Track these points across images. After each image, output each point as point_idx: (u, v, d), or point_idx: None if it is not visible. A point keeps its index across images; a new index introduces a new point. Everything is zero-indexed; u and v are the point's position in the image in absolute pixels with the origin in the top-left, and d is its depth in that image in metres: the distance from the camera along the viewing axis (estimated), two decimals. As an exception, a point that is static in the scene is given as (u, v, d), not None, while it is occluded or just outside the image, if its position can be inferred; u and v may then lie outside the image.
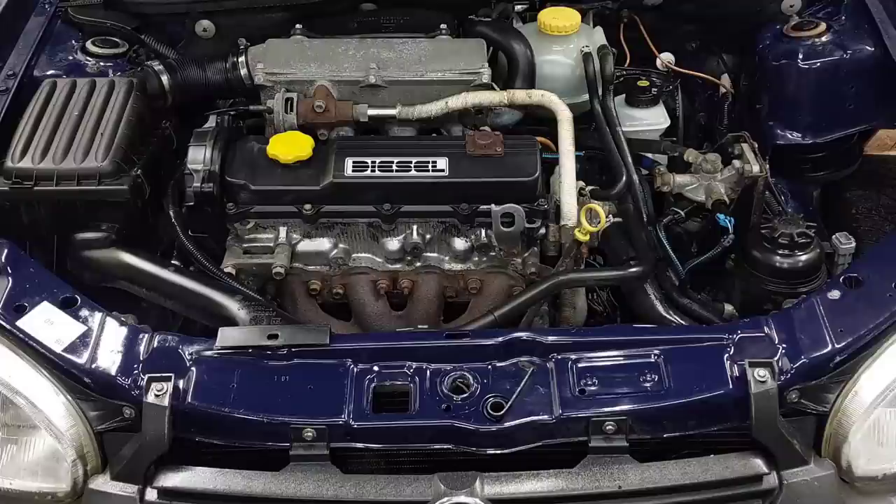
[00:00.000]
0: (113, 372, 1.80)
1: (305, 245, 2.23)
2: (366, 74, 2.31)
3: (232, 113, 2.38)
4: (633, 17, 2.74)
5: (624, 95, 2.56)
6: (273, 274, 2.18)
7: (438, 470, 1.75)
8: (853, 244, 2.19)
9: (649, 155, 2.48)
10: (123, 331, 1.87)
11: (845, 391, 1.81)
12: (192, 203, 2.18)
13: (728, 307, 2.18)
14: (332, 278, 2.24)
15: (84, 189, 2.13)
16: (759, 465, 1.79)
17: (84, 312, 1.88)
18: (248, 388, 1.80)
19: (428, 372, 1.81)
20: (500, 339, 1.86)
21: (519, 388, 1.77)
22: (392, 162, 2.16)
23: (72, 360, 1.81)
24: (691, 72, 2.70)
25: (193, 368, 1.81)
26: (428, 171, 2.15)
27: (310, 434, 1.75)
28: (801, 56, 2.54)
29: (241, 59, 2.38)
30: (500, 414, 1.73)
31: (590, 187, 2.22)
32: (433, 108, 2.30)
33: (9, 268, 1.93)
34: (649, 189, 2.35)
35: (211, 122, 2.34)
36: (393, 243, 2.21)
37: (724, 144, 2.44)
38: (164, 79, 2.36)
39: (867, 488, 1.87)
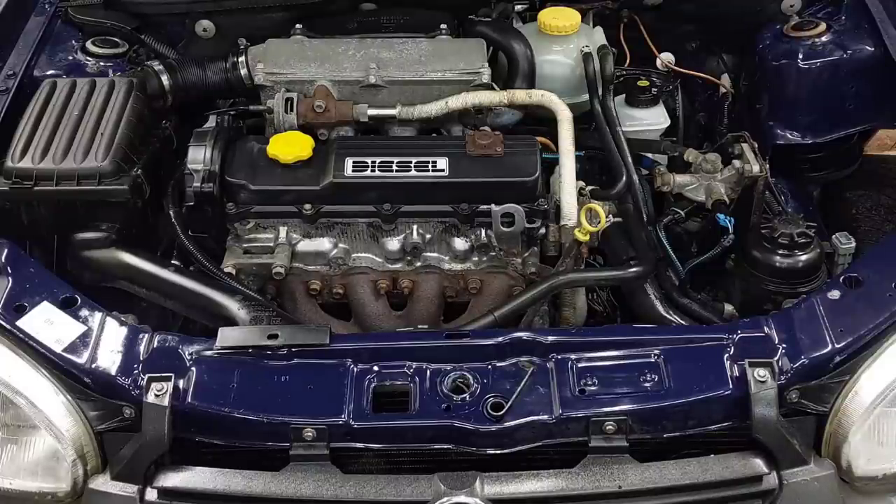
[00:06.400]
0: (113, 372, 1.80)
1: (305, 245, 2.23)
2: (366, 74, 2.31)
3: (232, 113, 2.39)
4: (633, 17, 2.75)
5: (624, 95, 2.56)
6: (273, 274, 2.18)
7: (438, 470, 1.75)
8: (853, 244, 2.18)
9: (649, 155, 2.48)
10: (123, 331, 1.87)
11: (845, 391, 1.80)
12: (192, 203, 2.18)
13: (728, 307, 2.17)
14: (332, 278, 2.24)
15: (84, 189, 2.13)
16: (759, 465, 1.79)
17: (84, 312, 1.88)
18: (248, 388, 1.80)
19: (428, 372, 1.81)
20: (500, 339, 1.86)
21: (519, 388, 1.77)
22: (392, 162, 2.16)
23: (72, 360, 1.81)
24: (691, 72, 2.70)
25: (193, 368, 1.81)
26: (428, 171, 2.15)
27: (310, 434, 1.74)
28: (801, 56, 2.54)
29: (241, 59, 2.38)
30: (500, 414, 1.73)
31: (590, 187, 2.22)
32: (433, 108, 2.30)
33: (9, 268, 1.93)
34: (649, 189, 2.35)
35: (211, 122, 2.34)
36: (393, 243, 2.21)
37: (724, 144, 2.44)
38: (164, 79, 2.36)
39: (867, 488, 1.87)
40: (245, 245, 2.22)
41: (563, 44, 2.53)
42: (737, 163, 2.32)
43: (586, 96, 2.46)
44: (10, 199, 2.14)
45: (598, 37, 2.58)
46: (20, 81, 2.40)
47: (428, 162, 2.16)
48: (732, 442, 1.81)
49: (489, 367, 1.82)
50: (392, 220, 2.17)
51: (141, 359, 1.82)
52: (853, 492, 1.87)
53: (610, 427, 1.75)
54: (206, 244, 2.25)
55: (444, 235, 2.22)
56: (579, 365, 1.82)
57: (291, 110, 2.28)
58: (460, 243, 2.22)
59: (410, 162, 2.16)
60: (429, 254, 2.24)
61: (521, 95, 2.32)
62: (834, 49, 2.54)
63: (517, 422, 1.74)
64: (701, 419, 1.80)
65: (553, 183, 2.23)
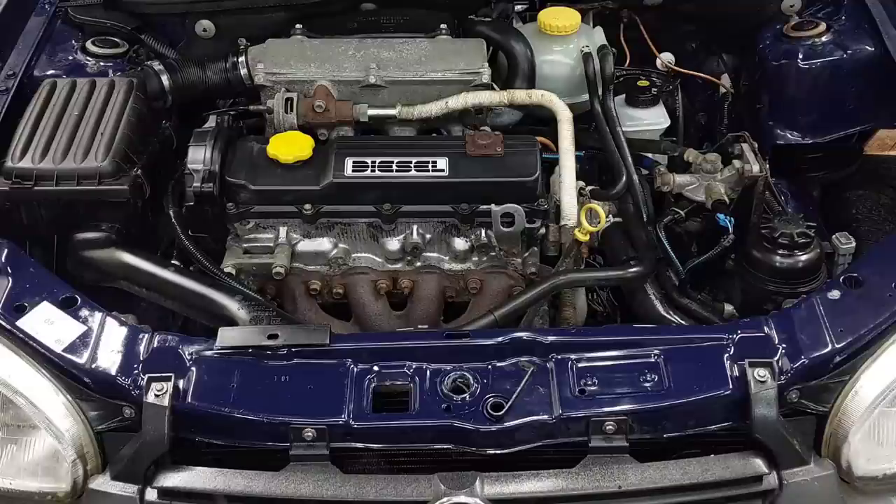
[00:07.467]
0: (113, 372, 1.80)
1: (305, 245, 2.23)
2: (366, 74, 2.31)
3: (232, 113, 2.39)
4: (633, 17, 2.75)
5: (624, 95, 2.56)
6: (273, 274, 2.18)
7: (438, 470, 1.75)
8: (853, 244, 2.18)
9: (649, 155, 2.48)
10: (123, 331, 1.87)
11: (845, 391, 1.80)
12: (192, 203, 2.18)
13: (728, 307, 2.17)
14: (332, 278, 2.24)
15: (84, 189, 2.13)
16: (759, 465, 1.79)
17: (84, 312, 1.88)
18: (248, 388, 1.80)
19: (428, 372, 1.81)
20: (500, 339, 1.86)
21: (519, 388, 1.76)
22: (392, 162, 2.16)
23: (72, 360, 1.81)
24: (691, 72, 2.70)
25: (193, 368, 1.81)
26: (428, 171, 2.15)
27: (310, 434, 1.74)
28: (801, 56, 2.55)
29: (241, 58, 2.39)
30: (500, 414, 1.73)
31: (590, 187, 2.23)
32: (433, 108, 2.30)
33: (9, 268, 1.93)
34: (649, 189, 2.35)
35: (211, 122, 2.33)
36: (393, 243, 2.21)
37: (724, 144, 2.44)
38: (164, 79, 2.36)
39: (867, 488, 1.87)
40: (245, 245, 2.22)
41: (563, 44, 2.53)
42: (737, 163, 2.32)
43: (586, 96, 2.46)
44: (10, 199, 2.14)
45: (598, 37, 2.58)
46: (20, 81, 2.40)
47: (428, 162, 2.16)
48: (732, 442, 1.81)
49: (489, 367, 1.82)
50: (392, 220, 2.17)
51: (141, 359, 1.82)
52: (853, 492, 1.86)
53: (610, 427, 1.75)
54: (206, 244, 2.25)
55: (444, 235, 2.22)
56: (579, 365, 1.81)
57: (291, 110, 2.28)
58: (460, 243, 2.22)
59: (410, 162, 2.16)
60: (429, 254, 2.23)
61: (521, 95, 2.32)
62: (834, 49, 2.54)
63: (517, 422, 1.74)
64: (701, 419, 1.79)
65: (553, 183, 2.23)
